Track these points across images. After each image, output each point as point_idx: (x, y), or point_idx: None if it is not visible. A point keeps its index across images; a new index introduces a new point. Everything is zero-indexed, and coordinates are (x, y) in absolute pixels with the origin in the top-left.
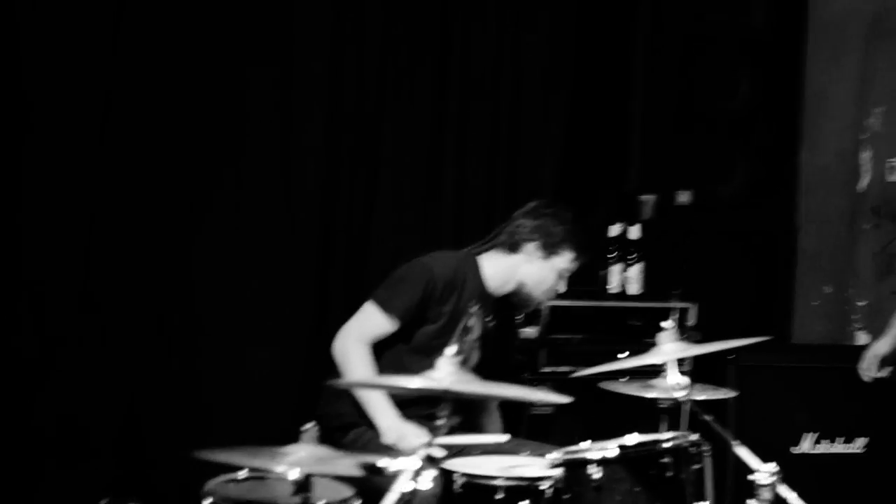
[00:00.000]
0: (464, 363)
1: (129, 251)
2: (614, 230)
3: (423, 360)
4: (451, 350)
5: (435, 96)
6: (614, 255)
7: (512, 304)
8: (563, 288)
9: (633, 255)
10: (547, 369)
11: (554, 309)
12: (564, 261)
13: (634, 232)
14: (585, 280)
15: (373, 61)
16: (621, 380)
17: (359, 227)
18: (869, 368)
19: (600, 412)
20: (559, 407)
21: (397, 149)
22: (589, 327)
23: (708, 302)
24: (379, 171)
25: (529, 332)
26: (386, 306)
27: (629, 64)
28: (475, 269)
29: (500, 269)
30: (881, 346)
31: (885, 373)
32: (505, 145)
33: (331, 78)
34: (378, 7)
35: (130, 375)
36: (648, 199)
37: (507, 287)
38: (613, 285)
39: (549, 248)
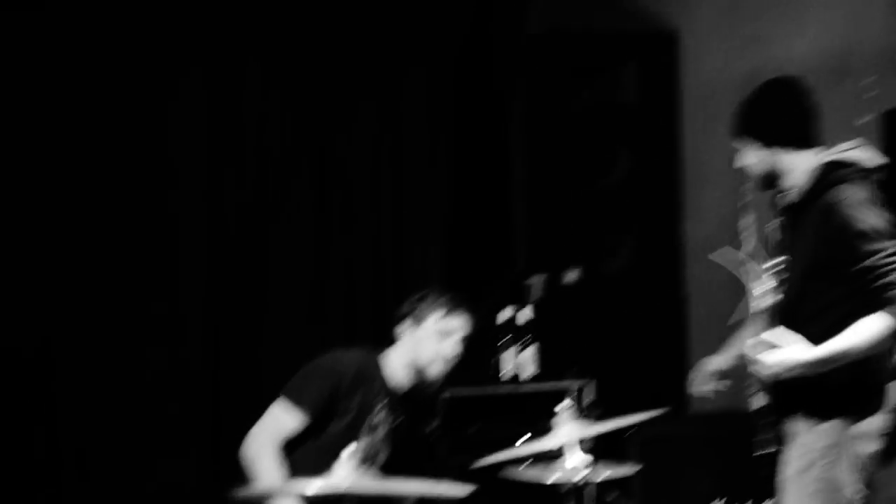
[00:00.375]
0: (371, 461)
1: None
2: (505, 315)
3: (333, 457)
4: (350, 449)
5: (315, 197)
6: (507, 339)
7: (417, 401)
8: (455, 349)
9: (526, 338)
10: (448, 461)
11: (451, 399)
12: (434, 320)
13: (525, 314)
14: (480, 367)
15: (252, 171)
16: (524, 464)
17: (248, 329)
18: (699, 383)
19: (507, 500)
20: (463, 498)
21: (282, 262)
22: (487, 415)
23: (604, 378)
24: (267, 275)
25: (428, 424)
26: (296, 400)
27: (508, 148)
28: (378, 367)
29: (394, 363)
30: (716, 362)
31: (713, 389)
32: (389, 244)
33: (211, 179)
34: (253, 117)
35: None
36: (537, 280)
37: (407, 378)
38: (508, 370)
39: (415, 319)
